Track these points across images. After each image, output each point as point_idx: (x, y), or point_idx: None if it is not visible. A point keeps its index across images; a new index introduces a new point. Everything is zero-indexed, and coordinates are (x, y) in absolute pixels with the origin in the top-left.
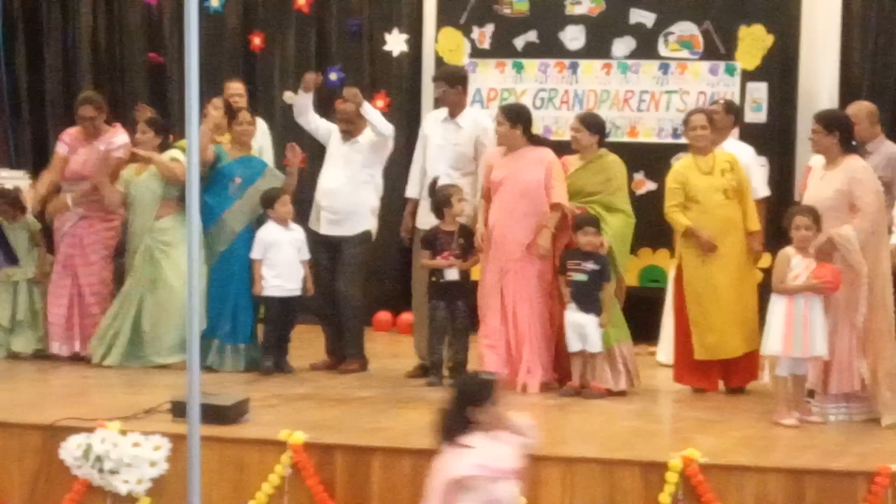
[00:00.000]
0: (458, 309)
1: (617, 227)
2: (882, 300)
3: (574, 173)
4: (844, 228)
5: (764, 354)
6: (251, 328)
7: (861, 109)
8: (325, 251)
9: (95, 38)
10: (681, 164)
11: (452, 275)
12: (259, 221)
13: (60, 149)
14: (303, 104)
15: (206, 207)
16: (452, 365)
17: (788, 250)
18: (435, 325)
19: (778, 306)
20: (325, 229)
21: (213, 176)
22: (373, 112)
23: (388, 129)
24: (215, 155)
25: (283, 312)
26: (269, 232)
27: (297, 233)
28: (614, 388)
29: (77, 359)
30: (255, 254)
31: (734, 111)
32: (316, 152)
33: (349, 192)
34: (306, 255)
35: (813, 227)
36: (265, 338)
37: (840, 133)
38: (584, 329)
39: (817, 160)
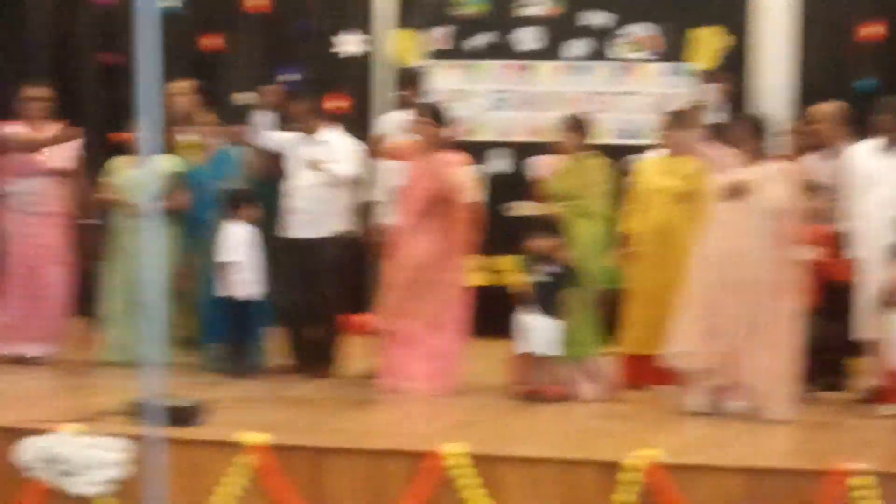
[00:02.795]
0: None
1: (590, 233)
2: None
3: (555, 175)
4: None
5: None
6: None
7: (826, 110)
8: (296, 254)
9: (48, 40)
10: (646, 162)
11: None
12: None
13: None
14: (261, 123)
15: (194, 217)
16: None
17: None
18: None
19: None
20: (296, 232)
21: (193, 187)
22: (335, 173)
23: (347, 178)
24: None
25: (254, 313)
26: (244, 232)
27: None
28: (579, 397)
29: (21, 361)
30: (232, 255)
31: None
32: None
33: (314, 192)
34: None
35: None
36: (237, 339)
37: None
38: (541, 332)
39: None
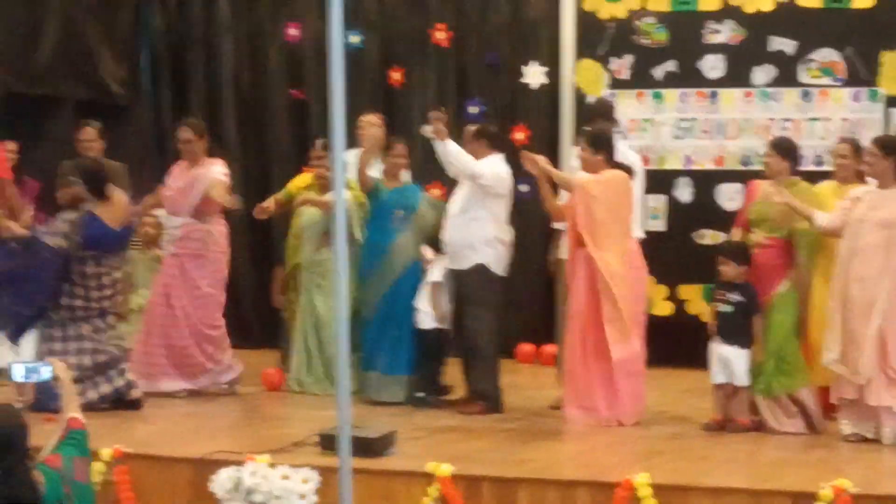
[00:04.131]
0: None
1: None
2: None
3: (763, 200)
4: None
5: None
6: (411, 360)
7: None
8: (453, 285)
9: (238, 77)
10: (823, 186)
11: None
12: None
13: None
14: (450, 153)
15: (372, 242)
16: None
17: None
18: None
19: None
20: (447, 263)
21: (375, 210)
22: (452, 152)
23: (465, 167)
24: (374, 185)
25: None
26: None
27: None
28: (773, 429)
29: (157, 396)
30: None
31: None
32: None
33: (460, 225)
34: None
35: None
36: (433, 371)
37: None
38: (729, 362)
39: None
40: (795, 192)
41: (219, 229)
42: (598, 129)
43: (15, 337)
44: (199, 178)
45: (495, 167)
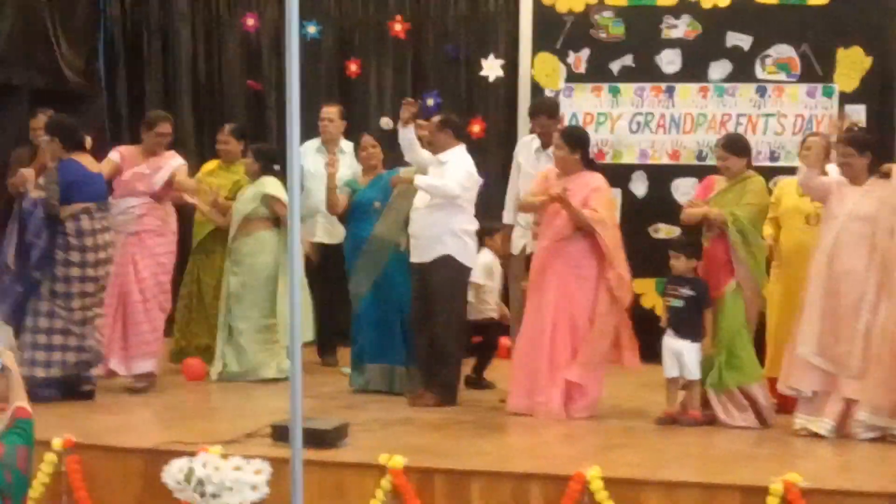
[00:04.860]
0: None
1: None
2: None
3: (717, 195)
4: None
5: None
6: (407, 349)
7: None
8: (416, 279)
9: (195, 67)
10: (785, 181)
11: None
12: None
13: (113, 156)
14: (407, 140)
15: (355, 236)
16: None
17: None
18: None
19: None
20: (412, 256)
21: (353, 206)
22: (424, 184)
23: (445, 193)
24: (349, 193)
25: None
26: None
27: None
28: (725, 423)
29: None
30: (480, 279)
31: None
32: None
33: (426, 217)
34: None
35: None
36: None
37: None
38: (680, 355)
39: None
40: (748, 186)
41: (171, 210)
42: (574, 127)
43: (14, 317)
44: (163, 165)
45: (464, 162)
